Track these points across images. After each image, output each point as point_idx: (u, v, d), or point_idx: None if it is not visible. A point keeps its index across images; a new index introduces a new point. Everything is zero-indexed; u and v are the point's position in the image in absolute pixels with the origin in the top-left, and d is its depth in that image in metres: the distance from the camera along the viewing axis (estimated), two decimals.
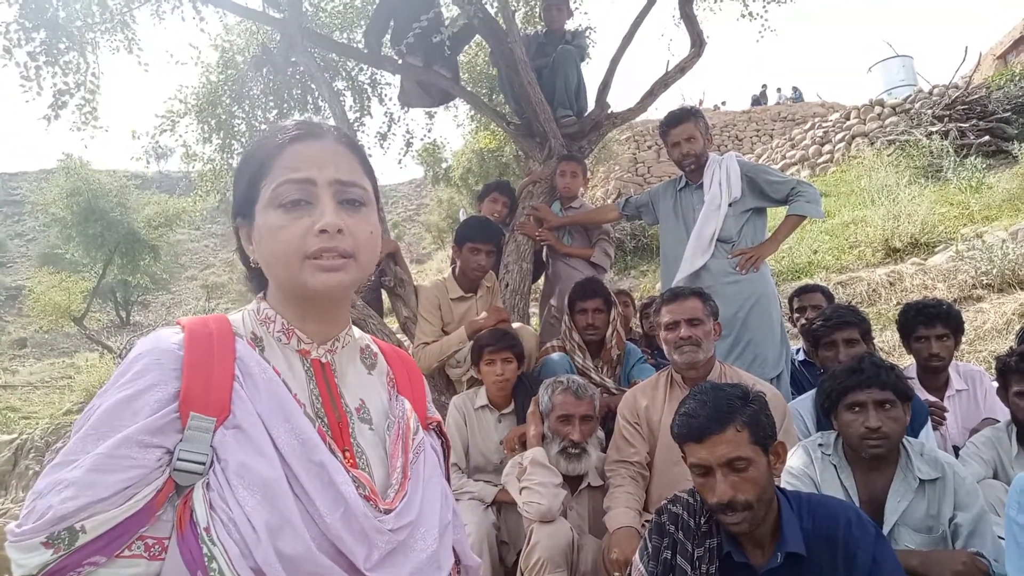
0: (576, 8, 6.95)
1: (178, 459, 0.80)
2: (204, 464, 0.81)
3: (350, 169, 0.96)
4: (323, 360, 1.00)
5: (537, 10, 6.58)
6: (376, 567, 0.87)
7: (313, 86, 5.77)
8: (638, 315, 5.05)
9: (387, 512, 0.91)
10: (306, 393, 0.95)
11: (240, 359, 0.90)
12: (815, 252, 8.38)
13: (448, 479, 1.14)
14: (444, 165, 16.90)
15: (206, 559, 0.76)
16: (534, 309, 5.48)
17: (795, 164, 14.91)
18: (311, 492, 0.84)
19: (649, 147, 18.37)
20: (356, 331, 1.08)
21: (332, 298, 0.96)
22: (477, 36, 5.62)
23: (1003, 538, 1.92)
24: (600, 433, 3.08)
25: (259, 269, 0.98)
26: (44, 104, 5.25)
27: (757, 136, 20.21)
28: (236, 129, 6.34)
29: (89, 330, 17.24)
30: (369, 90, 6.71)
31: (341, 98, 6.28)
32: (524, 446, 2.88)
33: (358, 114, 6.60)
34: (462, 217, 4.56)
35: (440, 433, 1.16)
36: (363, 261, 0.94)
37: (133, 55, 5.51)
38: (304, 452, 0.86)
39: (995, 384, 2.85)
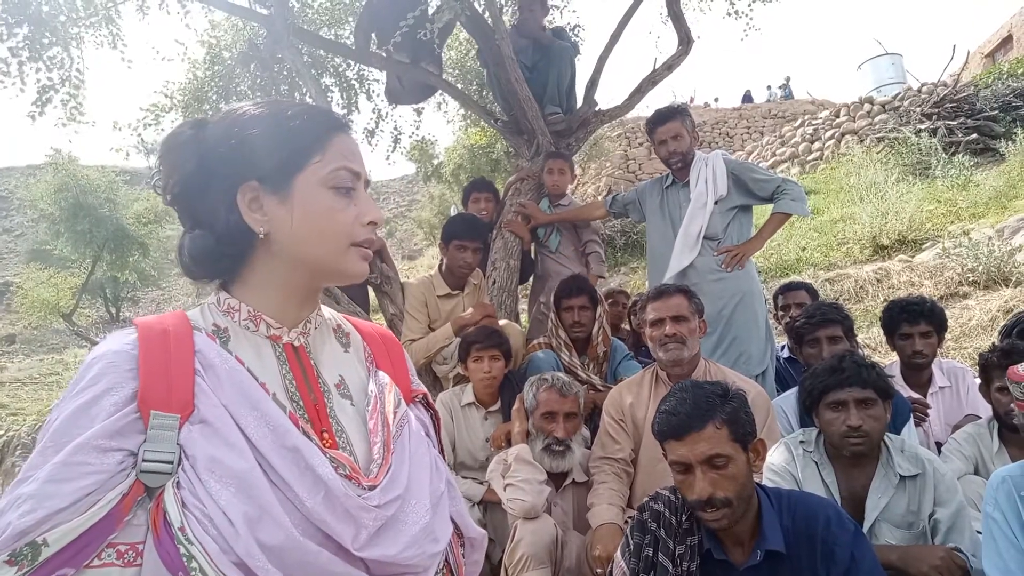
0: (564, 5, 6.95)
1: (143, 460, 0.78)
2: (172, 463, 0.78)
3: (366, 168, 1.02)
4: (295, 343, 0.98)
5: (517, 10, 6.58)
6: (366, 545, 0.85)
7: (300, 82, 5.73)
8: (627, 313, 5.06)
9: (371, 488, 0.89)
10: (278, 379, 0.94)
11: (199, 352, 0.87)
12: (803, 249, 8.43)
13: (441, 451, 1.12)
14: (435, 161, 16.87)
15: (184, 559, 0.74)
16: (523, 306, 5.47)
17: (785, 161, 14.96)
18: (288, 479, 0.82)
19: (640, 144, 18.38)
20: (326, 311, 1.07)
21: (353, 282, 1.00)
22: (466, 33, 5.60)
23: (981, 533, 1.94)
24: (585, 431, 3.08)
25: (242, 240, 0.92)
26: (28, 100, 5.20)
27: (748, 133, 20.29)
28: None
29: (78, 326, 17.14)
30: (357, 86, 6.68)
31: (329, 94, 6.27)
32: (510, 443, 2.88)
33: (346, 110, 6.57)
34: (453, 213, 4.56)
35: (428, 406, 1.13)
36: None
37: (118, 51, 5.46)
38: (276, 439, 0.84)
39: (978, 381, 2.87)
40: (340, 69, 6.56)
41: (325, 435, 0.92)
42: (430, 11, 4.19)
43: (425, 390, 1.15)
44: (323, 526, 0.83)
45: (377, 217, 0.96)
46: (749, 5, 6.23)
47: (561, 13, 6.89)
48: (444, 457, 1.12)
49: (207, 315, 0.96)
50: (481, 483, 3.07)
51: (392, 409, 1.01)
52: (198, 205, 0.94)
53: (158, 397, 0.81)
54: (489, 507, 3.01)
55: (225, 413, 0.83)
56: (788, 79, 24.06)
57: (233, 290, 0.96)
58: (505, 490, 2.63)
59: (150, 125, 6.14)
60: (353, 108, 6.66)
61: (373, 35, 5.15)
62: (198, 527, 0.75)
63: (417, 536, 0.91)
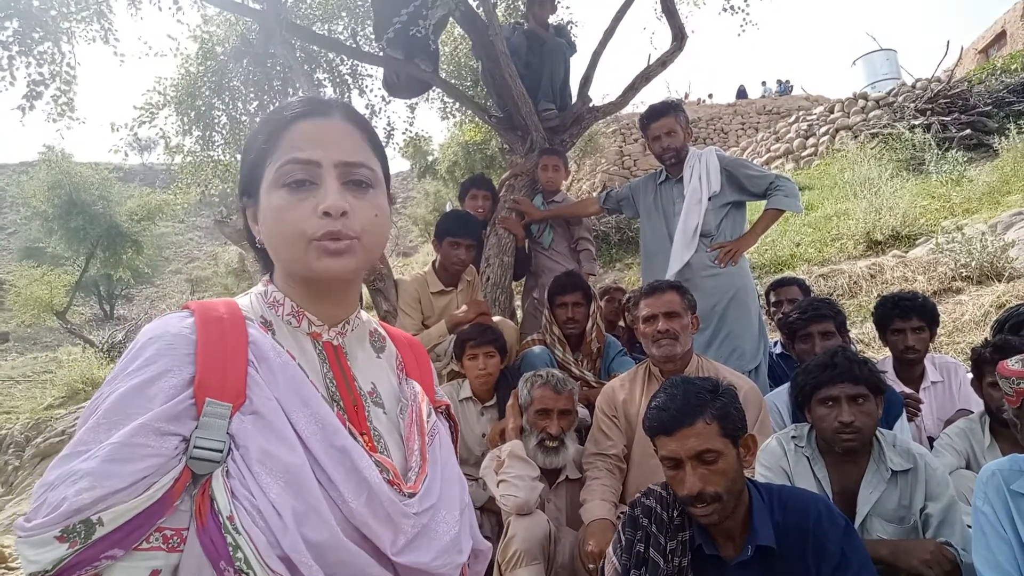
0: (559, 1, 6.93)
1: (195, 447, 0.77)
2: (221, 452, 0.78)
3: (356, 149, 0.93)
4: (335, 343, 0.98)
5: (519, 3, 6.56)
6: (402, 551, 0.85)
7: (293, 77, 5.71)
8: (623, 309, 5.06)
9: (411, 496, 0.89)
10: (320, 377, 0.93)
11: (254, 343, 0.87)
12: (798, 245, 8.44)
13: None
14: (430, 158, 16.85)
15: (231, 549, 0.73)
16: (517, 302, 5.47)
17: (780, 157, 14.99)
18: (334, 478, 0.82)
19: (635, 140, 18.36)
20: (364, 314, 1.06)
21: (340, 281, 0.94)
22: (460, 28, 5.59)
23: (971, 527, 1.95)
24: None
25: (265, 250, 0.96)
26: (18, 94, 5.17)
27: (742, 129, 20.32)
28: (216, 121, 6.27)
29: (71, 324, 17.09)
30: (350, 81, 6.66)
31: (322, 90, 6.24)
32: (504, 439, 2.88)
33: None
34: (448, 210, 4.55)
35: (448, 416, 1.14)
36: (369, 244, 0.92)
37: (110, 45, 5.44)
38: (325, 437, 0.84)
39: (970, 376, 2.88)
40: (333, 64, 6.55)
41: (365, 437, 0.92)
42: (424, 8, 4.17)
43: (448, 401, 1.14)
44: (364, 528, 0.83)
45: (331, 206, 0.87)
46: (745, 0, 6.22)
47: (557, 10, 6.88)
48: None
49: (255, 305, 0.96)
50: (475, 480, 3.08)
51: (425, 418, 1.01)
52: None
53: (214, 385, 0.81)
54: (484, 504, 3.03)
55: (277, 407, 0.83)
56: (780, 83, 24.10)
57: (279, 283, 0.97)
58: (498, 486, 2.63)
59: (145, 122, 6.13)
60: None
61: (368, 30, 5.13)
62: (247, 518, 0.75)
63: (447, 546, 0.91)
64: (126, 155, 6.40)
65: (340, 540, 0.80)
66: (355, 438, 0.88)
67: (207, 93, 6.00)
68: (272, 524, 0.75)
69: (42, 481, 0.73)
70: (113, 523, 0.70)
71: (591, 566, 2.33)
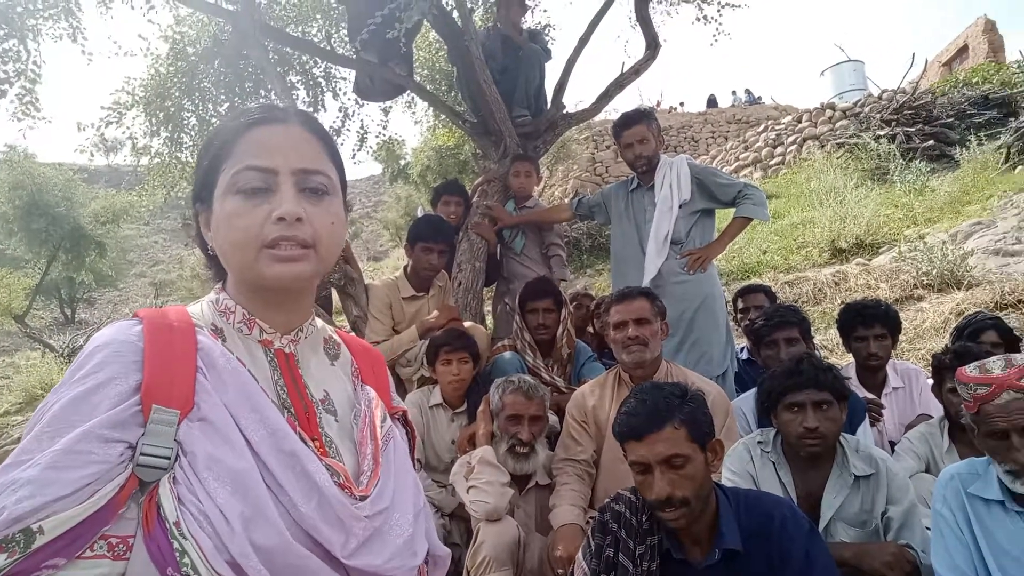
0: (535, 5, 6.97)
1: (141, 454, 0.76)
2: (168, 459, 0.77)
3: (314, 157, 0.93)
4: (287, 351, 0.98)
5: (495, 8, 6.58)
6: (353, 554, 0.85)
7: (266, 79, 5.66)
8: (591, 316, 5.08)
9: (362, 499, 0.89)
10: (270, 384, 0.93)
11: (203, 350, 0.86)
12: (764, 252, 8.56)
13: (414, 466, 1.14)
14: (402, 162, 16.78)
15: (177, 554, 0.72)
16: (488, 308, 5.48)
17: (748, 166, 15.20)
18: (283, 482, 0.82)
19: (608, 147, 18.50)
20: (318, 322, 1.06)
21: (291, 289, 0.94)
22: (435, 34, 5.59)
23: (930, 529, 2.00)
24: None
25: (217, 257, 0.96)
26: None
27: (712, 137, 20.58)
28: (185, 122, 6.18)
29: (31, 328, 16.65)
30: (323, 83, 6.62)
31: (294, 92, 6.20)
32: (474, 445, 2.88)
33: (311, 108, 6.50)
34: (420, 215, 4.53)
35: (405, 423, 1.14)
36: (324, 252, 0.92)
37: (77, 44, 5.32)
38: (274, 442, 0.84)
39: (930, 381, 2.95)
40: (307, 67, 6.50)
41: (315, 443, 0.92)
42: (398, 11, 4.16)
43: (405, 407, 1.15)
44: (314, 532, 0.83)
45: (286, 211, 0.87)
46: (719, 10, 6.32)
47: (532, 13, 6.92)
48: (415, 466, 1.14)
49: (207, 313, 0.95)
50: (444, 487, 3.07)
51: (379, 423, 1.02)
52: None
53: (161, 391, 0.80)
54: (454, 510, 3.02)
55: (226, 413, 0.83)
56: (749, 92, 24.51)
57: (230, 290, 0.97)
58: (468, 492, 2.63)
59: (112, 123, 6.01)
60: (319, 106, 6.60)
61: (343, 33, 5.11)
62: (193, 523, 0.74)
63: (400, 548, 0.91)
64: (92, 156, 6.27)
65: (289, 544, 0.79)
66: (305, 443, 0.88)
67: (177, 94, 5.92)
68: (219, 529, 0.75)
69: None
70: (54, 531, 0.69)
71: (560, 571, 2.34)
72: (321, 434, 0.94)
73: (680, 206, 3.69)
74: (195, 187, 0.95)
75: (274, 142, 0.90)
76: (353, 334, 1.29)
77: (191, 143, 6.28)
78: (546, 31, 6.37)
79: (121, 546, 0.74)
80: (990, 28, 18.64)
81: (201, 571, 0.73)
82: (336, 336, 1.10)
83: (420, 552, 0.96)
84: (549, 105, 5.28)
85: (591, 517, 2.30)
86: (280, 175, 0.89)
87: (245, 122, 0.91)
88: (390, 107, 7.24)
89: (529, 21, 6.53)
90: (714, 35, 6.51)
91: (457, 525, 3.02)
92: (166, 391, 0.80)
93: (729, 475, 2.31)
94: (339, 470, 0.89)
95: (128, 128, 6.12)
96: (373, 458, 0.96)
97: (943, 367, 2.66)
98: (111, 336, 0.84)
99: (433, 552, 1.05)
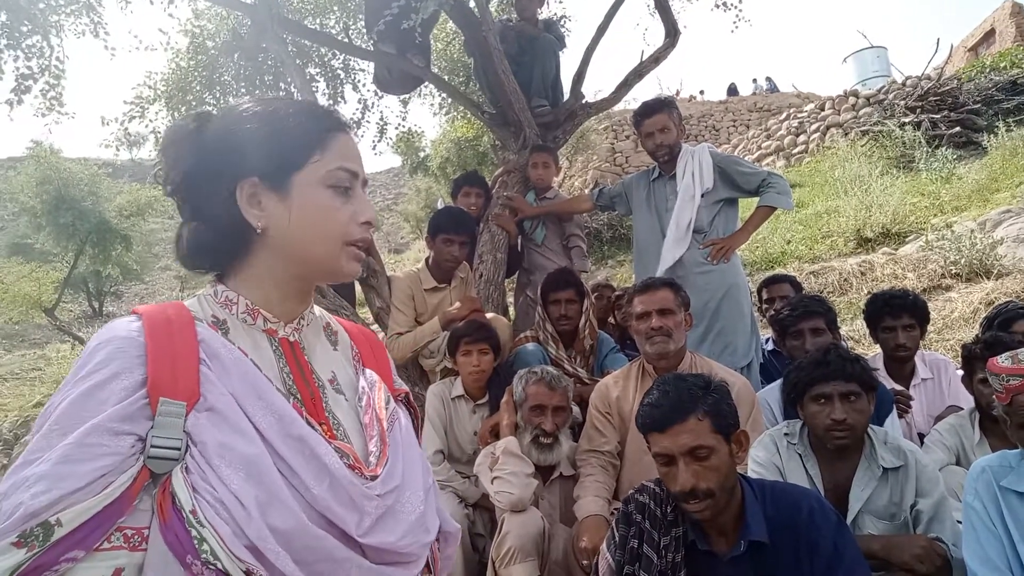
0: None
1: (152, 446, 0.78)
2: (179, 449, 0.79)
3: (364, 167, 1.02)
4: (291, 339, 1.00)
5: None
6: (368, 533, 0.88)
7: (285, 72, 5.68)
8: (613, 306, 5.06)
9: (373, 479, 0.92)
10: (276, 371, 0.95)
11: (203, 342, 0.88)
12: (788, 242, 8.47)
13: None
14: (422, 154, 16.78)
15: (196, 542, 0.74)
16: (510, 299, 5.47)
17: (770, 154, 15.02)
18: (294, 466, 0.84)
19: (627, 137, 18.37)
20: (317, 309, 1.09)
21: (346, 281, 1.01)
22: (453, 24, 5.57)
23: (961, 522, 1.97)
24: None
25: (240, 234, 0.94)
26: (6, 88, 5.12)
27: (734, 126, 20.34)
28: None
29: (60, 321, 16.94)
30: (342, 76, 6.63)
31: (314, 84, 6.21)
32: (497, 436, 2.88)
33: (331, 101, 6.52)
34: (440, 207, 4.53)
35: (408, 404, 1.16)
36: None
37: (99, 39, 5.38)
38: (282, 428, 0.86)
39: (960, 372, 2.90)
40: (326, 59, 6.51)
41: (323, 427, 0.94)
42: (414, 0, 4.15)
43: (407, 389, 1.18)
44: (328, 512, 0.85)
45: (371, 217, 0.97)
46: None
47: (548, 3, 6.87)
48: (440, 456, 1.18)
49: (205, 306, 0.96)
50: (467, 478, 3.08)
51: (384, 405, 1.04)
52: (198, 198, 0.96)
53: (166, 384, 0.81)
54: (478, 500, 3.04)
55: (232, 401, 0.85)
56: (770, 80, 24.17)
57: (229, 283, 0.98)
58: (493, 483, 2.64)
59: (135, 117, 6.07)
60: (339, 99, 6.62)
61: (360, 24, 5.11)
62: (210, 510, 0.76)
63: (413, 525, 0.94)
64: (117, 150, 6.35)
65: (306, 526, 0.81)
66: (313, 428, 0.90)
67: (198, 88, 5.96)
68: (236, 515, 0.77)
69: None
70: (72, 523, 0.70)
71: (585, 562, 2.34)
72: (328, 418, 0.97)
73: (702, 195, 3.66)
74: (252, 160, 0.92)
75: (355, 150, 0.99)
76: (372, 326, 1.31)
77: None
78: (562, 21, 6.31)
79: (136, 537, 0.76)
80: (1018, 12, 18.18)
81: (221, 556, 0.74)
82: (334, 323, 1.13)
83: (432, 528, 0.99)
84: (568, 95, 5.24)
85: (615, 508, 2.29)
86: (358, 180, 0.98)
87: (334, 123, 0.98)
88: (409, 99, 7.24)
89: (546, 11, 6.50)
90: (734, 22, 6.43)
91: (481, 516, 3.03)
92: (171, 384, 0.82)
93: (755, 467, 2.29)
94: (348, 451, 0.92)
95: (151, 122, 6.18)
96: (380, 439, 0.99)
97: (974, 357, 2.61)
98: (111, 333, 0.85)
99: (444, 528, 1.07)
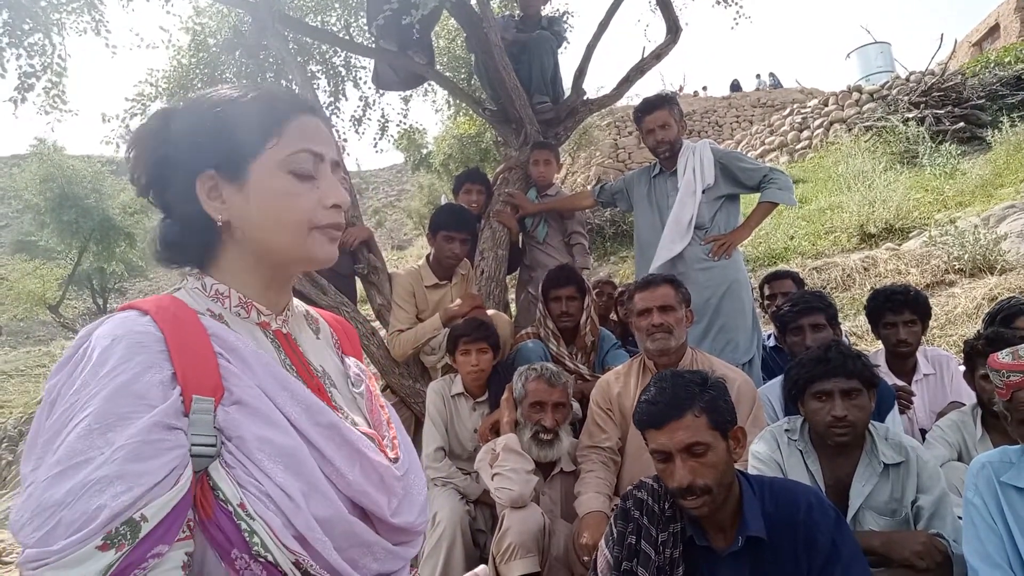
0: None
1: (192, 444, 0.78)
2: (214, 446, 0.79)
3: (337, 150, 0.99)
4: (283, 331, 0.99)
5: None
6: (395, 513, 0.92)
7: (286, 69, 5.68)
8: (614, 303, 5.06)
9: (394, 460, 0.96)
10: (279, 364, 0.94)
11: (214, 336, 0.86)
12: (791, 238, 8.45)
13: None
14: (424, 151, 16.79)
15: (246, 535, 0.75)
16: (512, 296, 5.48)
17: (774, 150, 14.98)
18: (328, 454, 0.86)
19: (630, 133, 18.32)
20: (295, 300, 1.08)
21: (323, 267, 0.98)
22: (454, 21, 5.56)
23: (962, 518, 1.96)
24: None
25: (205, 228, 0.92)
26: (9, 87, 5.13)
27: (737, 122, 20.28)
28: None
29: (65, 318, 17.03)
30: (344, 73, 6.62)
31: (315, 82, 6.20)
32: (497, 433, 2.89)
33: (332, 98, 6.52)
34: (443, 203, 4.53)
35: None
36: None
37: (101, 37, 5.38)
38: (311, 417, 0.87)
39: (962, 368, 2.89)
40: (327, 56, 6.50)
41: (338, 415, 0.95)
42: None
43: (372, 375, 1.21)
44: (363, 496, 0.88)
45: (340, 199, 0.93)
46: None
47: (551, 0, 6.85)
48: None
49: (197, 300, 0.93)
50: (468, 474, 3.09)
51: (379, 391, 1.08)
52: (164, 194, 0.94)
53: (195, 381, 0.81)
54: (479, 497, 3.04)
55: (261, 394, 0.85)
56: (773, 75, 24.09)
57: (216, 276, 0.95)
58: (493, 479, 2.64)
59: (137, 115, 6.07)
60: (340, 95, 6.61)
61: (362, 21, 5.10)
62: (258, 504, 0.77)
63: (423, 505, 0.99)
64: (118, 147, 6.34)
65: (342, 513, 0.84)
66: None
67: (199, 85, 5.95)
68: (284, 507, 0.78)
69: (41, 504, 0.69)
70: (156, 517, 0.71)
71: (585, 558, 2.34)
72: (336, 406, 0.97)
73: (704, 191, 3.65)
74: (208, 152, 0.90)
75: (320, 131, 0.95)
76: (361, 329, 1.33)
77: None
78: (564, 18, 6.29)
79: (193, 526, 0.77)
80: (1022, 7, 18.07)
81: (272, 548, 0.76)
82: (312, 311, 1.13)
83: (427, 512, 1.04)
84: (569, 91, 5.23)
85: (616, 505, 2.30)
86: (325, 163, 0.94)
87: (292, 105, 0.94)
88: (410, 96, 7.23)
89: (548, 8, 6.48)
90: (735, 18, 6.39)
91: (482, 512, 3.04)
92: (198, 380, 0.81)
93: (756, 463, 2.29)
94: (372, 436, 0.95)
95: None
96: (388, 423, 1.02)
97: (975, 353, 2.61)
98: (123, 328, 0.81)
99: None
